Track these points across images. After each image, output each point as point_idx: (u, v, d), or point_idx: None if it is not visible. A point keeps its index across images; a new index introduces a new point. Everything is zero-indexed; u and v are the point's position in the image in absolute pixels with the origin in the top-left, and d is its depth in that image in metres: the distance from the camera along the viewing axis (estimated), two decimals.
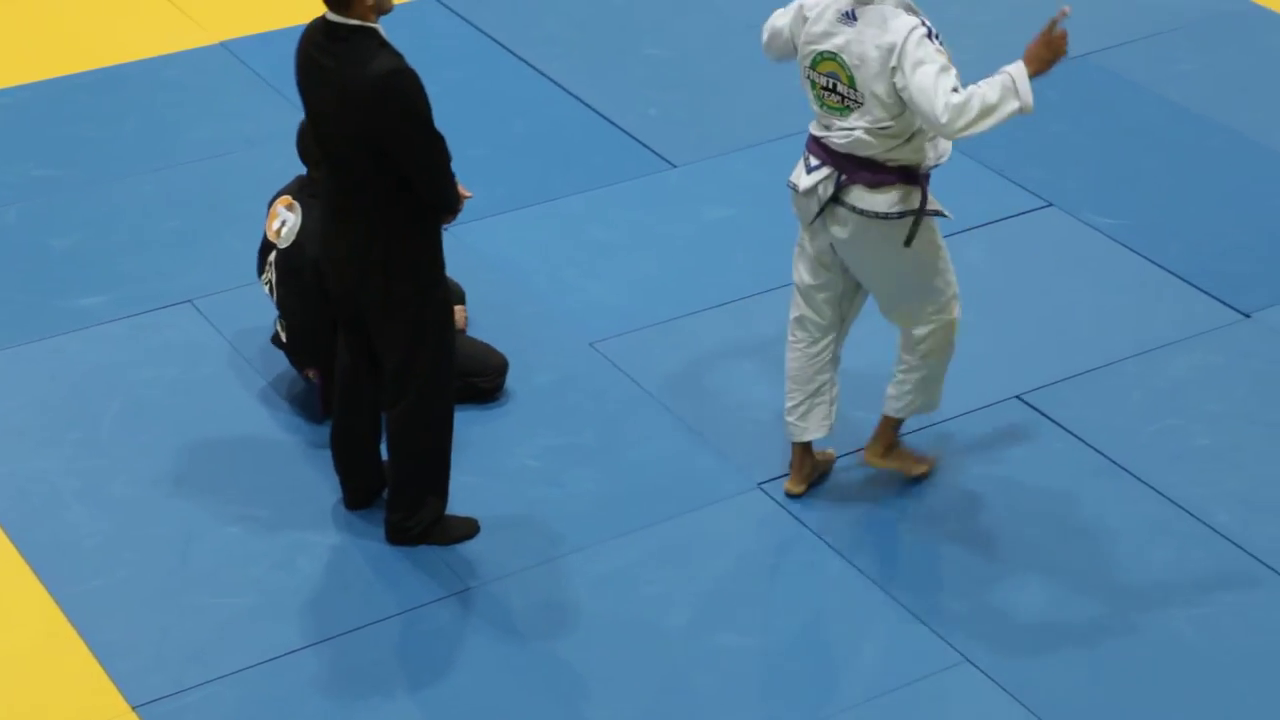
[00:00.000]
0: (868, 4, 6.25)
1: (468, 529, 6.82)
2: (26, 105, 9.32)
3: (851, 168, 6.47)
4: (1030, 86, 6.21)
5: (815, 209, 6.57)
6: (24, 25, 10.03)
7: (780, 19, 6.63)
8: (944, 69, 6.18)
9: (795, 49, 6.55)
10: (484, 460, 7.14)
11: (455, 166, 6.31)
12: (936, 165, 6.58)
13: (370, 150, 6.13)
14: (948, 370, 6.94)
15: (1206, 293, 8.13)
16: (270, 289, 7.28)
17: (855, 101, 6.35)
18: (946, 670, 6.33)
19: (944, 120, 6.13)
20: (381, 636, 6.43)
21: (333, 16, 6.11)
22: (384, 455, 6.85)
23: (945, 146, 6.61)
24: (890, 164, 6.45)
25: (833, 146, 6.49)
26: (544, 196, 8.68)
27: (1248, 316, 8.03)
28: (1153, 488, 7.09)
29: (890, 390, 6.98)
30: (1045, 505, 7.04)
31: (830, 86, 6.43)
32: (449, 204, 6.36)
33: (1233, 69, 9.81)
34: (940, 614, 6.54)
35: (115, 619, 6.46)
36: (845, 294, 6.84)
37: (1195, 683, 6.29)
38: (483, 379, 7.42)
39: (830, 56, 6.38)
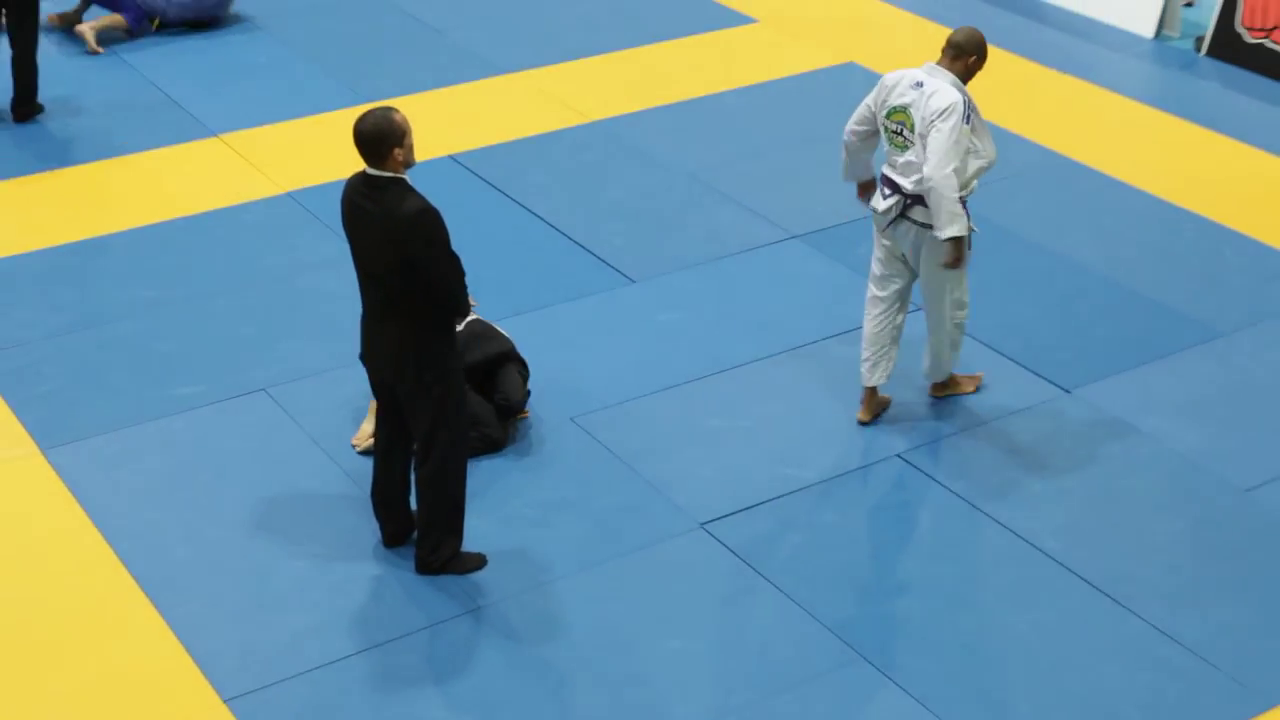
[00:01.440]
0: (931, 78, 7.24)
1: (479, 561, 6.86)
2: (137, 243, 9.34)
3: (913, 198, 7.37)
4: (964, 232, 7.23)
5: (886, 223, 7.53)
6: (134, 183, 10.08)
7: (862, 106, 7.55)
8: (956, 142, 7.12)
9: (873, 115, 7.47)
10: (490, 508, 7.18)
11: (467, 281, 6.41)
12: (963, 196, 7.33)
13: (404, 270, 6.22)
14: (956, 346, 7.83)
15: (1037, 374, 8.26)
16: None
17: (911, 142, 7.29)
18: (843, 668, 6.41)
19: (930, 174, 7.13)
20: (415, 644, 6.47)
21: (371, 170, 6.24)
22: (412, 505, 6.92)
23: (967, 182, 7.35)
24: None
25: (898, 182, 7.41)
26: (534, 305, 8.71)
27: (1069, 392, 8.15)
28: (1002, 524, 7.19)
29: (926, 360, 7.92)
30: (920, 535, 7.14)
31: (898, 130, 7.37)
32: (462, 309, 6.44)
33: (1055, 205, 9.96)
34: (846, 622, 6.62)
35: (209, 633, 6.50)
36: (906, 284, 7.73)
37: (1031, 669, 6.38)
38: (492, 431, 7.50)
39: (901, 109, 7.32)
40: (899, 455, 7.61)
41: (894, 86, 7.35)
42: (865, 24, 12.57)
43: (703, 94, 11.31)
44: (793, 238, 9.46)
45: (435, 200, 6.29)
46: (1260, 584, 6.90)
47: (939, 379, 7.95)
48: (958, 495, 7.36)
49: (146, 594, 6.71)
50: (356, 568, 6.88)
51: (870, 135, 7.59)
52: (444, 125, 10.52)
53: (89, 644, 6.48)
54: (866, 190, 7.80)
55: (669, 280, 9.04)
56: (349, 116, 10.55)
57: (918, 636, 6.57)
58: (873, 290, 7.73)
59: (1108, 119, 11.15)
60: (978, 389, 8.06)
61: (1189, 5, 12.96)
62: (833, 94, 11.32)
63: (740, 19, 12.59)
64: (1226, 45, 12.03)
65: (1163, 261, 9.35)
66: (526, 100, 11.21)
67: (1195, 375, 8.28)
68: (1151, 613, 6.71)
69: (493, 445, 7.49)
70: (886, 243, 7.60)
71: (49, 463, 7.48)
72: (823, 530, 7.14)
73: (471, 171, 10.16)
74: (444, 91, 11.24)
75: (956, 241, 7.26)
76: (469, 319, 7.58)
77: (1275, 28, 11.78)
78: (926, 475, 7.49)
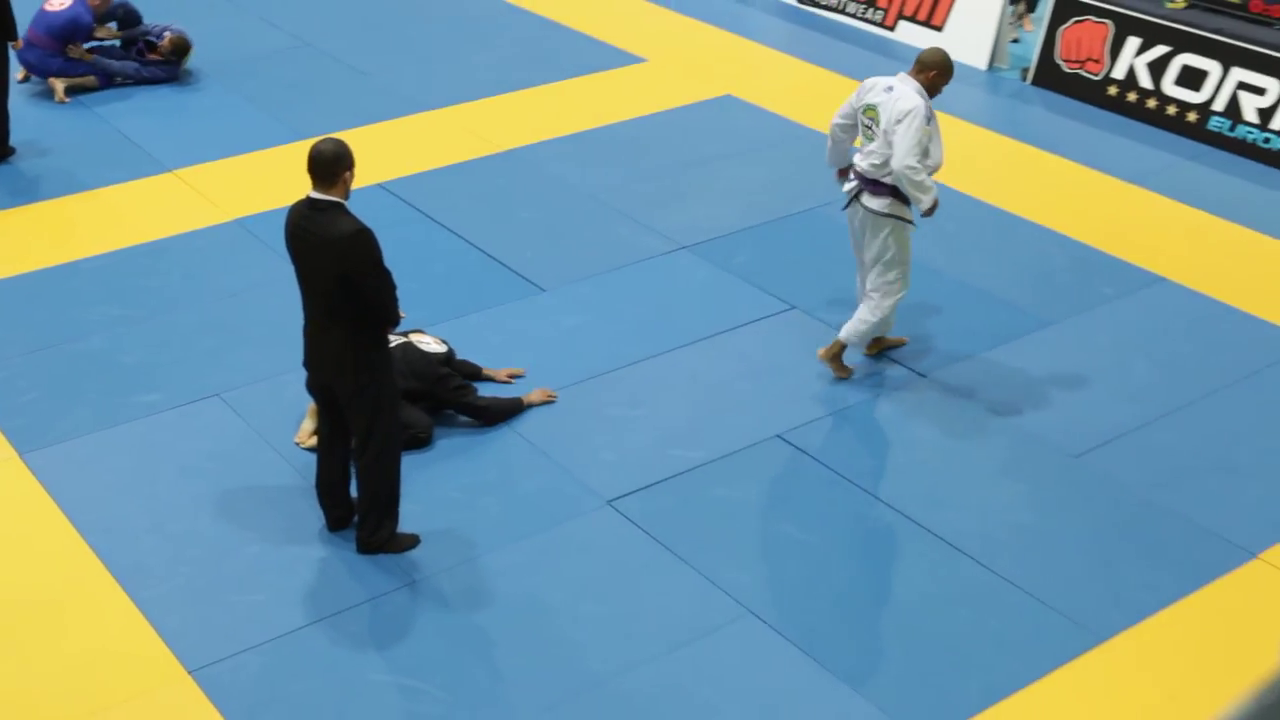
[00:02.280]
0: (900, 84, 7.60)
1: (412, 541, 6.80)
2: (104, 268, 9.19)
3: (867, 183, 7.76)
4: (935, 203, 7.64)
5: (845, 204, 7.98)
6: (98, 215, 9.92)
7: (844, 103, 7.92)
8: (918, 142, 7.45)
9: (853, 110, 7.81)
10: (422, 493, 7.11)
11: (397, 294, 6.36)
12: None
13: (342, 284, 6.16)
14: (873, 327, 7.96)
15: (897, 361, 8.30)
16: None
17: (876, 135, 7.64)
18: (735, 622, 6.41)
19: (895, 165, 7.48)
20: (358, 615, 6.41)
21: (315, 195, 6.17)
22: (353, 493, 6.83)
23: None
24: (884, 182, 7.69)
25: (861, 170, 7.76)
26: (457, 314, 8.64)
27: (924, 376, 8.20)
28: (868, 492, 7.22)
29: (846, 324, 8.01)
30: (798, 504, 7.14)
31: (869, 125, 7.72)
32: (393, 319, 6.38)
33: None
34: (737, 583, 6.62)
35: (174, 612, 6.41)
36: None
37: (898, 617, 6.41)
38: (420, 431, 7.43)
39: (873, 107, 7.68)
40: (779, 435, 7.62)
41: (871, 88, 7.74)
42: (740, 62, 12.60)
43: (601, 124, 11.29)
44: (681, 249, 9.45)
45: (368, 223, 6.23)
46: (1090, 537, 6.97)
47: (852, 341, 8.05)
48: (830, 468, 7.38)
49: (117, 579, 6.61)
50: (304, 550, 6.80)
51: (850, 128, 7.99)
52: (374, 157, 10.41)
53: (66, 624, 6.37)
54: (843, 175, 8.11)
55: (574, 289, 9.00)
56: (288, 151, 10.57)
57: (799, 593, 6.58)
58: (857, 259, 8.18)
59: (949, 139, 11.16)
60: (848, 377, 8.12)
61: (1016, 41, 13.11)
62: (713, 122, 11.37)
63: (632, 59, 12.58)
64: (1048, 75, 12.18)
65: (1000, 262, 9.44)
66: (446, 133, 11.14)
67: (1030, 359, 8.36)
68: (998, 564, 6.76)
69: (421, 444, 7.42)
70: (846, 222, 8.10)
71: (26, 465, 7.34)
72: (714, 503, 7.14)
73: (399, 197, 10.08)
74: (372, 127, 11.14)
75: (930, 209, 7.67)
76: (401, 342, 7.51)
77: (1088, 59, 11.93)
78: (802, 451, 7.50)
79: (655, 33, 13.19)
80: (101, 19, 11.89)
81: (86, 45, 11.74)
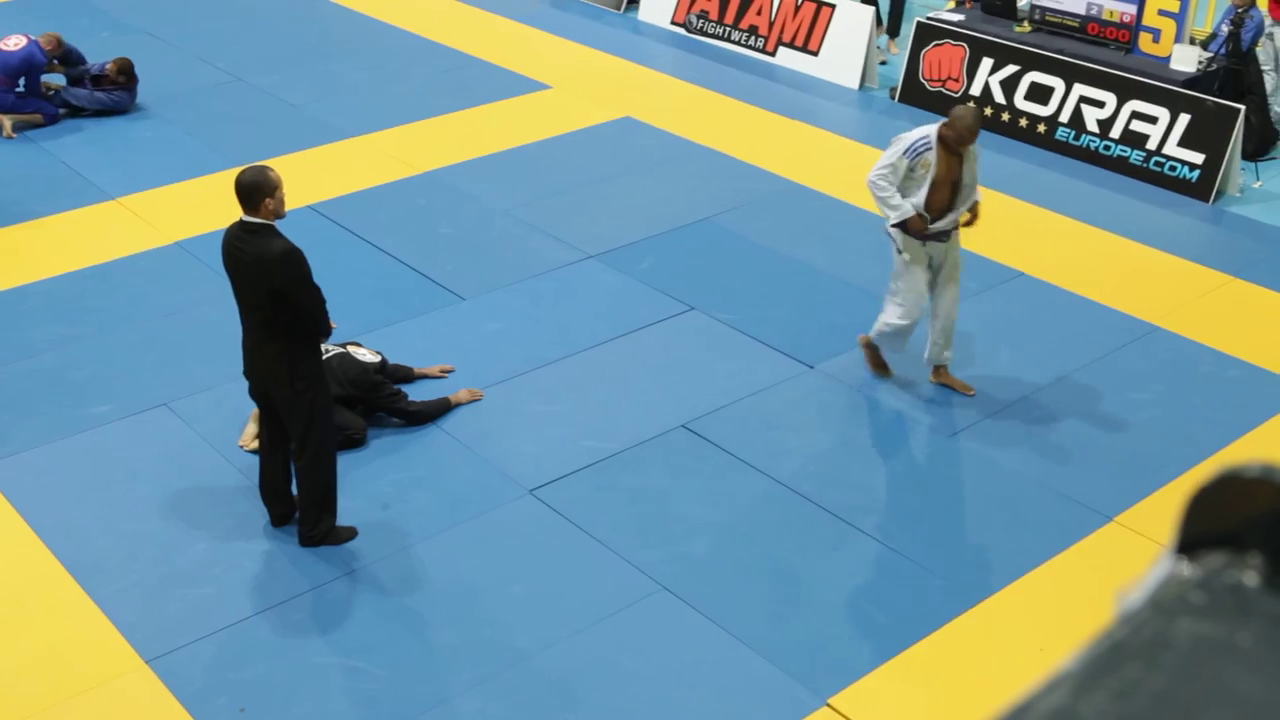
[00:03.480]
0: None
1: (350, 533, 6.69)
2: (51, 291, 8.97)
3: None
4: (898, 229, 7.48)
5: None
6: (45, 241, 9.69)
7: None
8: (888, 163, 7.39)
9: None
10: (358, 489, 7.00)
11: (327, 306, 6.25)
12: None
13: (275, 299, 6.04)
14: (878, 332, 7.78)
15: (787, 354, 8.31)
16: None
17: None
18: (649, 597, 6.37)
19: (870, 174, 7.47)
20: (302, 603, 6.29)
21: (247, 218, 6.04)
22: (293, 490, 6.71)
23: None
24: None
25: None
26: (384, 323, 8.52)
27: (812, 367, 8.20)
28: (767, 474, 7.21)
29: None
30: (702, 487, 7.12)
31: None
32: (324, 330, 6.28)
33: (792, 222, 10.04)
34: (650, 562, 6.58)
35: (129, 606, 6.26)
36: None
37: (796, 583, 6.39)
38: (354, 432, 7.31)
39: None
40: (684, 425, 7.59)
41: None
42: (637, 86, 12.57)
43: (511, 146, 11.20)
44: (589, 258, 9.40)
45: (298, 241, 6.12)
46: (963, 507, 7.02)
47: (874, 339, 7.89)
48: (729, 453, 7.36)
49: (74, 577, 6.43)
50: (250, 545, 6.66)
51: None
52: (303, 181, 10.25)
53: (27, 621, 6.20)
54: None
55: (493, 297, 8.92)
56: (224, 178, 10.37)
57: (707, 568, 6.55)
58: None
59: (827, 152, 11.28)
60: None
61: (884, 63, 13.19)
62: (614, 142, 11.32)
63: (538, 85, 12.50)
64: (914, 92, 12.27)
65: (876, 261, 9.45)
66: (369, 158, 10.99)
67: (908, 350, 8.36)
68: (883, 533, 6.79)
69: (356, 444, 7.30)
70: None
71: None
72: (626, 489, 7.08)
73: (327, 217, 9.94)
74: (302, 154, 10.97)
75: (897, 224, 7.52)
76: (339, 352, 7.40)
77: (948, 78, 12.03)
78: (704, 439, 7.47)
79: (557, 62, 13.12)
80: (53, 59, 11.59)
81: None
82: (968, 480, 7.23)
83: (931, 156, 7.35)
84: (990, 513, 6.98)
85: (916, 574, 6.52)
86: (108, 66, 11.72)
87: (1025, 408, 7.82)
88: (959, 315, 7.84)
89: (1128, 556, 6.69)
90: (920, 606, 6.33)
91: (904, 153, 7.36)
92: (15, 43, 11.25)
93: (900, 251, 7.61)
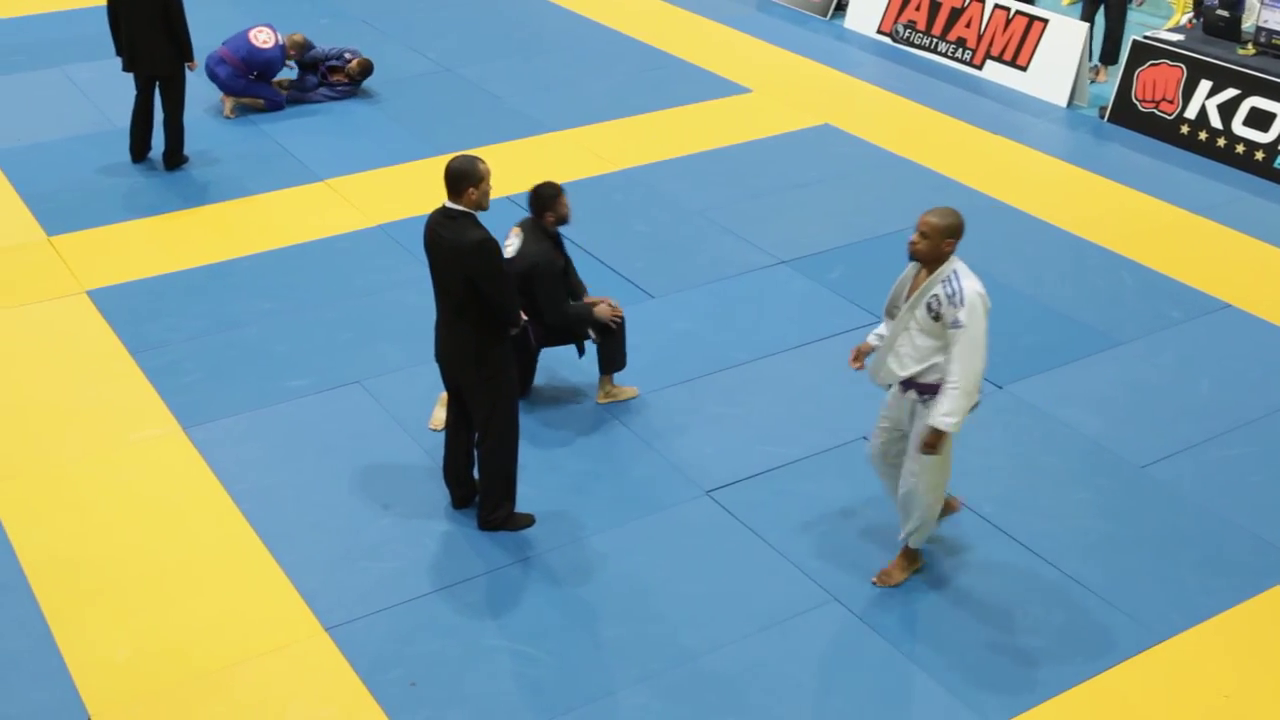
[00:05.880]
0: None
1: (528, 520, 6.79)
2: (258, 266, 9.31)
3: None
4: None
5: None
6: (256, 218, 10.04)
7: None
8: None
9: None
10: (537, 478, 7.11)
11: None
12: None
13: (469, 286, 6.17)
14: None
15: None
16: None
17: None
18: (820, 607, 6.33)
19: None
20: (476, 585, 6.42)
21: (450, 204, 6.19)
22: (475, 475, 6.84)
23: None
24: None
25: None
26: None
27: (1001, 388, 8.04)
28: (947, 492, 7.08)
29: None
30: (879, 499, 7.03)
31: None
32: (514, 321, 6.38)
33: (989, 239, 9.83)
34: (822, 571, 6.53)
35: (314, 574, 6.47)
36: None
37: (971, 609, 6.28)
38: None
39: None
40: (864, 437, 7.48)
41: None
42: (838, 94, 12.47)
43: (709, 148, 11.23)
44: (781, 263, 9.37)
45: (496, 231, 6.25)
46: (1153, 541, 6.79)
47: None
48: None
49: (264, 543, 6.67)
50: (431, 524, 6.81)
51: None
52: (504, 172, 10.42)
53: (217, 581, 6.45)
54: None
55: (682, 296, 8.95)
56: (427, 165, 10.64)
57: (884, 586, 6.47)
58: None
59: (1031, 171, 11.04)
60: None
61: (1094, 82, 12.85)
62: (812, 149, 11.26)
63: (739, 89, 12.50)
64: (1125, 113, 11.91)
65: (1074, 284, 9.24)
66: (567, 152, 11.14)
67: (1100, 375, 8.16)
68: (1066, 564, 6.61)
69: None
70: None
71: (189, 439, 7.44)
72: (803, 497, 7.04)
73: (524, 209, 10.05)
74: (503, 145, 11.17)
75: None
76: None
77: (1162, 100, 11.65)
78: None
79: (760, 66, 13.10)
80: (292, 62, 12.13)
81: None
82: (1157, 514, 7.00)
83: None
84: (1179, 550, 6.74)
85: (1100, 608, 6.34)
86: (350, 65, 12.13)
87: (1222, 444, 7.53)
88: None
89: None
90: (1099, 640, 6.15)
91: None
92: (265, 40, 11.61)
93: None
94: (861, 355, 6.29)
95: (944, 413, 5.86)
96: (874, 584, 6.41)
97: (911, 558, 6.49)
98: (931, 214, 5.87)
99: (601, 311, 7.56)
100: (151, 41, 10.14)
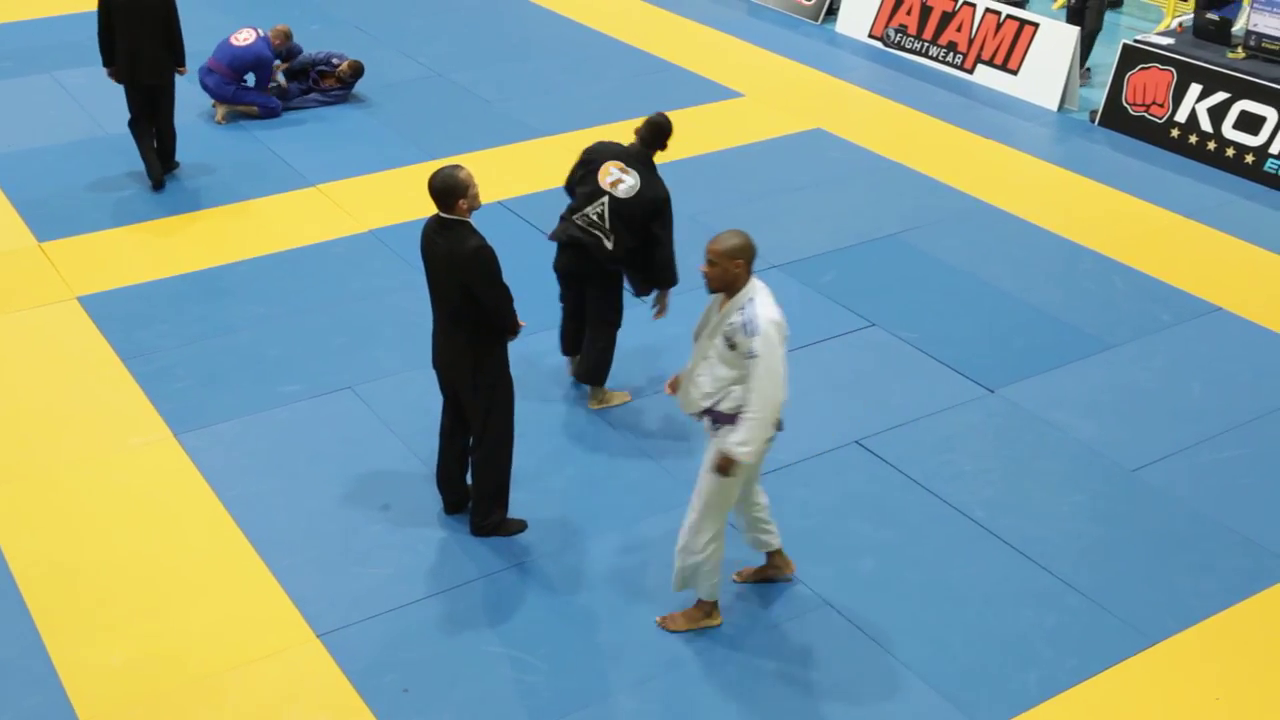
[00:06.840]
0: None
1: (520, 526, 6.80)
2: (250, 271, 9.31)
3: None
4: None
5: None
6: (248, 224, 10.05)
7: None
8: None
9: None
10: (530, 484, 7.11)
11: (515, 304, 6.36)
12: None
13: (465, 293, 6.18)
14: None
15: (966, 376, 8.18)
16: (598, 217, 7.29)
17: None
18: (812, 612, 6.34)
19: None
20: (471, 590, 6.43)
21: (443, 215, 6.20)
22: (468, 481, 6.83)
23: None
24: None
25: None
26: (556, 321, 8.63)
27: (992, 391, 8.06)
28: (939, 497, 7.11)
29: None
30: (872, 506, 7.05)
31: None
32: (511, 328, 6.39)
33: (980, 242, 9.87)
34: (815, 577, 6.54)
35: (306, 580, 6.48)
36: None
37: (963, 612, 6.30)
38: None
39: None
40: (857, 442, 7.53)
41: None
42: (832, 99, 12.49)
43: (701, 152, 11.24)
44: (772, 267, 9.38)
45: (488, 237, 6.24)
46: (1145, 544, 6.81)
47: None
48: (902, 473, 7.27)
49: (256, 549, 6.68)
50: (424, 530, 6.82)
51: None
52: (496, 177, 10.46)
53: (209, 587, 6.45)
54: None
55: (674, 300, 8.86)
56: (418, 170, 10.64)
57: (873, 587, 6.49)
58: None
59: (1022, 174, 11.06)
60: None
61: (1084, 85, 12.88)
62: (804, 153, 11.28)
63: (731, 93, 12.52)
64: (1115, 116, 11.95)
65: (1065, 287, 9.26)
66: (559, 157, 11.13)
67: (1092, 378, 8.19)
68: (1058, 567, 6.62)
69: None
70: None
71: (180, 444, 7.44)
72: (796, 503, 7.04)
73: (517, 214, 10.10)
74: (495, 150, 11.18)
75: None
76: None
77: (1153, 103, 11.69)
78: (877, 457, 7.40)
79: (751, 70, 13.12)
80: (281, 55, 12.00)
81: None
82: (1148, 517, 7.02)
83: None
84: (1170, 553, 6.76)
85: (1092, 612, 6.36)
86: (340, 67, 12.12)
87: (1213, 446, 7.56)
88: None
89: None
90: (1091, 643, 6.17)
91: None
92: (245, 38, 11.59)
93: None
94: (677, 384, 6.02)
95: (738, 441, 5.59)
96: (656, 623, 6.18)
97: (705, 610, 6.15)
98: (715, 240, 5.66)
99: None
100: (154, 52, 10.12)
